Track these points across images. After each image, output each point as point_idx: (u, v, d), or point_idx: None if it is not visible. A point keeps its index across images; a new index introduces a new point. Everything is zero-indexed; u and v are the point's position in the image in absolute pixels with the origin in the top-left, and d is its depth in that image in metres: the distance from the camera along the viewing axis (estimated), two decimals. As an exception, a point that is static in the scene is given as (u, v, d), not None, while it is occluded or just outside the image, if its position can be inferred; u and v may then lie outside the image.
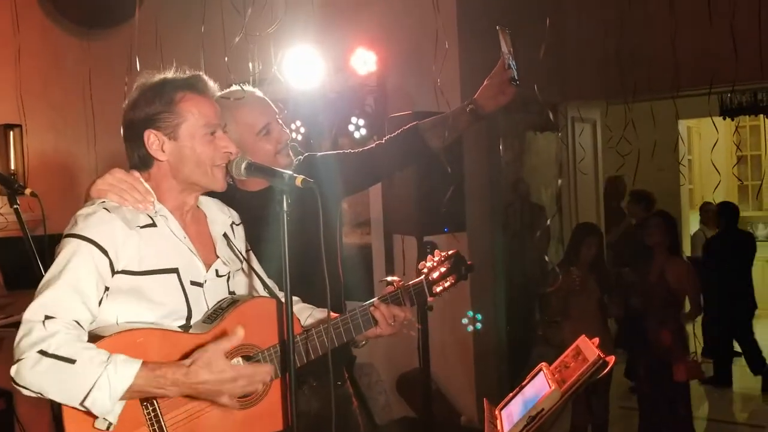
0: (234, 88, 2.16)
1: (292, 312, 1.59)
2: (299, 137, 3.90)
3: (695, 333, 5.70)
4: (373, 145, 2.29)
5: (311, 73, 3.72)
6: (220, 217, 1.79)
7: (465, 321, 2.28)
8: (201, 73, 1.69)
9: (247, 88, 2.14)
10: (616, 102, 4.78)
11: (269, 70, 3.64)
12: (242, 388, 1.54)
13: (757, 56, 4.00)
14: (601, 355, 1.51)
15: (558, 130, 4.90)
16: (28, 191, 2.36)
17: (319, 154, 2.28)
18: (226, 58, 3.12)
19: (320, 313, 1.89)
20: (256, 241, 1.93)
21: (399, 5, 3.84)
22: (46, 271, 1.56)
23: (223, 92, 2.12)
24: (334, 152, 2.32)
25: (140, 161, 1.66)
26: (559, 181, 4.91)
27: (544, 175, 4.85)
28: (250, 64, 3.51)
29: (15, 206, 2.34)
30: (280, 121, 2.11)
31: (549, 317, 4.33)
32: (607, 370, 1.49)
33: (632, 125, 5.55)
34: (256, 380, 1.55)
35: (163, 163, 1.65)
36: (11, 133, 4.05)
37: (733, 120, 5.91)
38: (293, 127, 3.89)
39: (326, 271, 1.68)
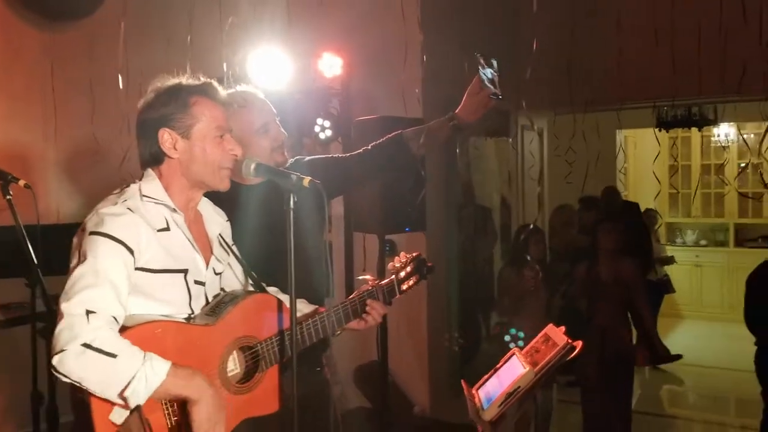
0: (238, 88, 2.29)
1: (295, 305, 1.74)
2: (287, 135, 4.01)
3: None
4: (361, 150, 2.45)
5: (279, 75, 3.84)
6: (216, 218, 1.94)
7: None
8: (213, 80, 1.82)
9: (250, 89, 2.27)
10: (563, 112, 5.08)
11: (236, 70, 3.76)
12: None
13: (696, 74, 4.34)
14: (569, 341, 1.71)
15: (509, 136, 5.15)
16: (21, 182, 2.42)
17: (306, 158, 2.42)
18: (188, 65, 3.18)
19: (305, 307, 2.04)
20: (251, 232, 2.07)
21: (365, 12, 3.99)
22: (38, 260, 1.66)
23: (227, 93, 2.25)
24: (322, 156, 2.47)
25: (151, 158, 1.78)
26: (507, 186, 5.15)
27: (495, 179, 5.08)
28: (225, 65, 3.62)
29: (8, 197, 2.40)
30: (278, 121, 2.26)
31: (500, 316, 4.56)
32: (575, 353, 1.69)
33: (582, 135, 5.86)
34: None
35: (174, 161, 1.77)
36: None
37: (668, 132, 6.31)
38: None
39: (313, 267, 1.85)
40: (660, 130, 6.12)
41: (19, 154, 4.32)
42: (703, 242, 9.08)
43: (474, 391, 1.90)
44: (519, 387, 1.67)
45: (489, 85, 2.24)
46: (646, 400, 5.96)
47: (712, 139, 8.21)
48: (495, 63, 2.26)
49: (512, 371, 1.78)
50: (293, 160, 2.38)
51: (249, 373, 1.83)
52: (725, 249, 8.87)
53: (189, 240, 1.79)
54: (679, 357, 6.45)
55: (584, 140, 5.61)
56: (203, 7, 4.14)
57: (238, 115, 2.15)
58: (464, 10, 4.26)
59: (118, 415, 1.59)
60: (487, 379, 1.91)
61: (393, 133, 2.39)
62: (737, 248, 8.76)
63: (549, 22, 4.77)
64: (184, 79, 1.80)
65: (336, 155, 2.45)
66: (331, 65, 3.90)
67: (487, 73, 2.23)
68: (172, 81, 1.79)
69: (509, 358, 1.88)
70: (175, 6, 4.30)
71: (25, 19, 4.34)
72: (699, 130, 6.35)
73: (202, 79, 1.82)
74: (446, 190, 4.38)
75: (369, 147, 2.41)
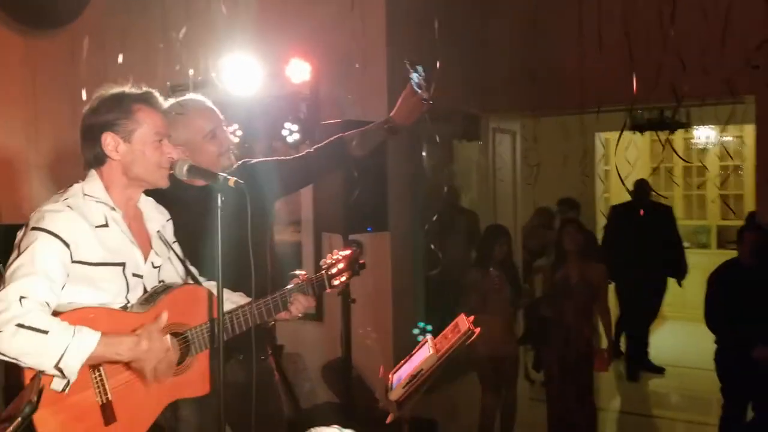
0: (186, 97, 2.45)
1: (222, 296, 1.89)
2: (235, 140, 4.15)
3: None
4: (304, 153, 2.61)
5: (248, 80, 3.99)
6: (156, 216, 2.10)
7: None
8: (154, 90, 1.99)
9: (198, 96, 2.44)
10: (537, 115, 5.22)
11: (206, 76, 3.91)
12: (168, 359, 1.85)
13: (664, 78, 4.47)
14: (471, 327, 1.86)
15: (479, 139, 5.29)
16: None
17: (253, 160, 2.59)
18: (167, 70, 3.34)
19: (238, 297, 2.19)
20: (199, 231, 2.22)
21: (333, 19, 4.13)
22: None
23: (176, 100, 2.41)
24: (269, 159, 2.63)
25: (94, 159, 1.95)
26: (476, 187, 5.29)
27: (465, 180, 5.22)
28: (191, 71, 3.77)
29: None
30: (225, 128, 2.42)
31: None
32: (473, 338, 1.84)
33: (549, 137, 5.99)
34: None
35: (116, 162, 1.94)
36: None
37: (642, 134, 6.44)
38: (230, 130, 4.14)
39: (253, 261, 1.99)
40: (633, 133, 6.25)
41: (2, 157, 4.49)
42: (686, 244, 9.19)
43: (390, 376, 2.05)
44: (422, 369, 1.81)
45: (418, 90, 2.39)
46: (629, 401, 6.10)
47: (692, 141, 8.33)
48: (421, 69, 2.42)
49: (420, 356, 1.93)
50: (240, 163, 2.54)
51: (182, 358, 1.98)
52: (707, 251, 8.98)
53: (127, 236, 1.95)
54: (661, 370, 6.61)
55: (564, 142, 5.76)
56: (176, 15, 4.31)
57: (186, 122, 2.31)
58: (429, 14, 4.40)
59: (56, 383, 1.74)
60: (402, 365, 2.05)
61: (334, 137, 2.56)
62: (719, 250, 8.87)
63: (516, 25, 4.93)
64: (127, 88, 1.97)
65: (281, 158, 2.60)
66: (299, 71, 4.04)
67: (414, 77, 2.39)
68: (116, 89, 1.96)
69: (422, 346, 2.03)
70: (149, 13, 4.47)
71: (8, 26, 4.52)
72: (671, 133, 6.49)
73: (144, 89, 1.99)
74: (412, 192, 4.52)
75: (312, 150, 2.58)
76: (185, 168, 1.95)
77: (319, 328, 4.48)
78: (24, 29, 4.48)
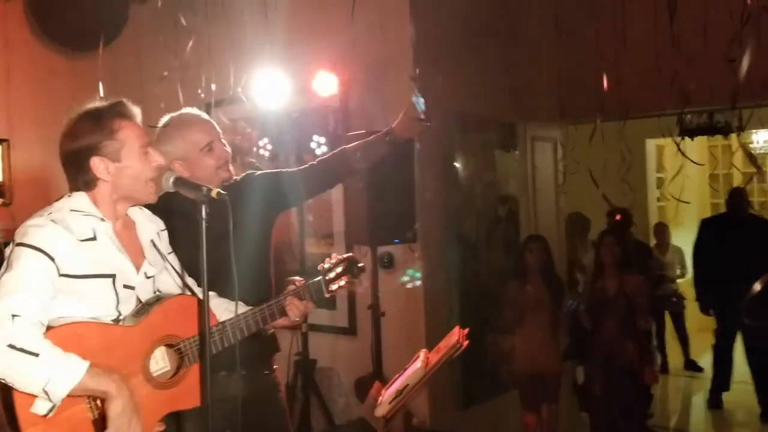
0: (183, 110, 2.47)
1: (208, 308, 1.87)
2: (266, 154, 4.18)
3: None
4: (307, 165, 2.60)
5: (277, 94, 4.01)
6: (148, 225, 2.08)
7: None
8: (124, 99, 1.98)
9: (194, 110, 2.45)
10: (576, 122, 5.07)
11: (235, 92, 3.96)
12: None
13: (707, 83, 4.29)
14: (460, 340, 1.78)
15: (516, 148, 5.17)
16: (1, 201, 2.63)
17: (257, 172, 2.59)
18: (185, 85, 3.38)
19: (241, 309, 2.16)
20: (195, 242, 2.22)
21: (360, 31, 4.12)
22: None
23: (171, 114, 2.44)
24: (272, 171, 2.62)
25: (84, 185, 1.93)
26: (517, 197, 5.17)
27: (503, 190, 5.11)
28: (213, 86, 3.82)
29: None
30: (223, 141, 2.43)
31: (502, 328, 4.57)
32: (460, 351, 1.76)
33: (604, 145, 5.81)
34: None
35: (106, 183, 1.93)
36: (-1, 147, 4.36)
37: (692, 139, 6.18)
38: (260, 144, 4.17)
39: (245, 271, 1.98)
40: (683, 138, 6.00)
41: (44, 177, 4.63)
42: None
43: (383, 391, 1.98)
44: (408, 384, 1.75)
45: (418, 108, 2.41)
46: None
47: (750, 146, 7.96)
48: (422, 101, 2.44)
49: (410, 370, 1.86)
50: (245, 174, 2.54)
51: (176, 370, 1.97)
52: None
53: (117, 247, 1.94)
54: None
55: (609, 149, 5.57)
56: (214, 32, 4.38)
57: (182, 136, 2.33)
58: (458, 23, 4.34)
59: (41, 407, 1.74)
60: (396, 379, 1.99)
61: (337, 149, 2.56)
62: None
63: (553, 31, 4.81)
64: (98, 103, 1.95)
65: (286, 170, 2.60)
66: (327, 83, 4.04)
67: (420, 102, 2.41)
68: (88, 107, 1.94)
69: (416, 359, 1.96)
70: (183, 30, 4.56)
71: (51, 49, 4.68)
72: (725, 138, 6.20)
73: (115, 100, 1.97)
74: (444, 202, 4.44)
75: (315, 162, 2.57)
76: (171, 180, 1.94)
77: (353, 342, 4.43)
78: (66, 51, 4.63)
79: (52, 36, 4.60)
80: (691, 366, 7.22)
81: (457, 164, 4.58)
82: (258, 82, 4.05)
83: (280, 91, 4.03)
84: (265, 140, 4.20)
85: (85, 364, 1.73)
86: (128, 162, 1.92)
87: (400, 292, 4.25)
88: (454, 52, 4.31)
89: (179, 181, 1.95)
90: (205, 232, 1.99)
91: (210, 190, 1.85)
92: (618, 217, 5.41)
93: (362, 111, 4.16)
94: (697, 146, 7.68)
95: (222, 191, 1.87)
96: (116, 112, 1.94)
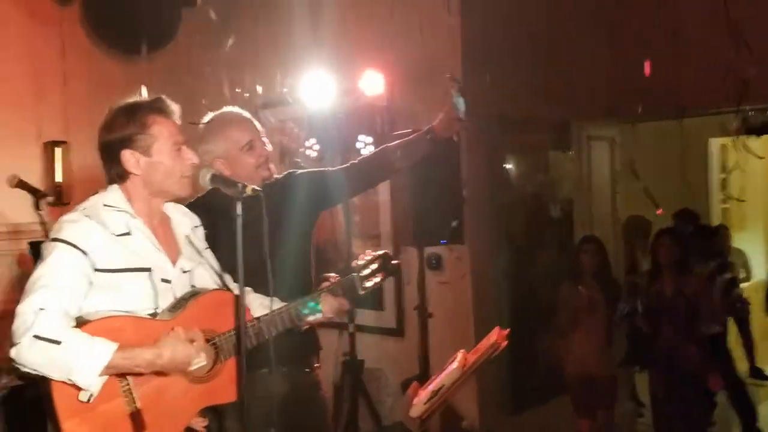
0: (225, 109, 2.48)
1: (243, 304, 1.86)
2: (314, 155, 4.19)
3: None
4: (348, 164, 2.59)
5: (323, 95, 4.01)
6: (183, 221, 2.09)
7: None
8: (163, 96, 1.99)
9: (235, 109, 2.47)
10: (634, 121, 4.92)
11: (280, 92, 3.97)
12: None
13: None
14: (498, 341, 1.72)
15: (570, 148, 5.05)
16: (49, 198, 2.71)
17: (299, 171, 2.59)
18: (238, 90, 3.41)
19: (275, 304, 2.15)
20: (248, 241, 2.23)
21: (407, 29, 4.09)
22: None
23: (213, 113, 2.45)
24: (314, 170, 2.62)
25: (118, 177, 1.96)
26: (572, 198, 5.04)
27: (557, 191, 4.99)
28: (260, 88, 3.85)
29: (39, 211, 2.69)
30: (264, 139, 2.43)
31: (555, 332, 4.46)
32: (498, 351, 1.70)
33: (662, 143, 5.63)
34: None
35: (138, 177, 1.94)
36: (57, 149, 4.48)
37: (759, 137, 5.91)
38: (308, 144, 4.18)
39: (288, 266, 1.96)
40: (748, 137, 5.74)
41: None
42: None
43: (420, 391, 1.94)
44: (444, 385, 1.70)
45: (457, 108, 2.37)
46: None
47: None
48: (462, 101, 2.42)
49: (447, 370, 1.81)
50: (286, 173, 2.54)
51: (212, 364, 1.97)
52: None
53: (152, 242, 1.95)
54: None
55: (669, 149, 5.39)
56: (260, 35, 4.43)
57: (223, 134, 2.34)
58: (507, 22, 4.26)
59: (81, 393, 1.77)
60: (433, 380, 1.94)
61: (378, 148, 2.55)
62: None
63: (608, 28, 4.69)
64: (138, 98, 1.97)
65: (327, 169, 2.59)
66: (373, 83, 4.01)
67: (455, 95, 2.37)
68: (126, 101, 1.96)
69: (454, 360, 1.91)
70: (235, 32, 4.62)
71: (106, 53, 4.80)
72: (793, 135, 5.89)
73: (153, 96, 1.98)
74: (493, 203, 4.36)
75: (356, 161, 2.56)
76: (208, 176, 1.94)
77: (400, 343, 4.39)
78: (120, 55, 4.73)
79: (106, 40, 4.71)
80: (757, 374, 6.90)
81: (507, 165, 4.49)
82: (305, 82, 4.06)
83: (327, 91, 4.02)
84: (313, 140, 4.21)
85: (113, 345, 1.74)
86: (159, 157, 1.93)
87: (448, 293, 4.19)
88: (503, 50, 4.23)
89: (215, 177, 1.95)
90: (244, 229, 1.99)
91: (245, 186, 1.85)
92: (659, 211, 5.22)
93: (409, 110, 4.12)
94: (763, 145, 7.36)
95: (257, 188, 1.86)
96: (152, 107, 1.95)
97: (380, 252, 2.33)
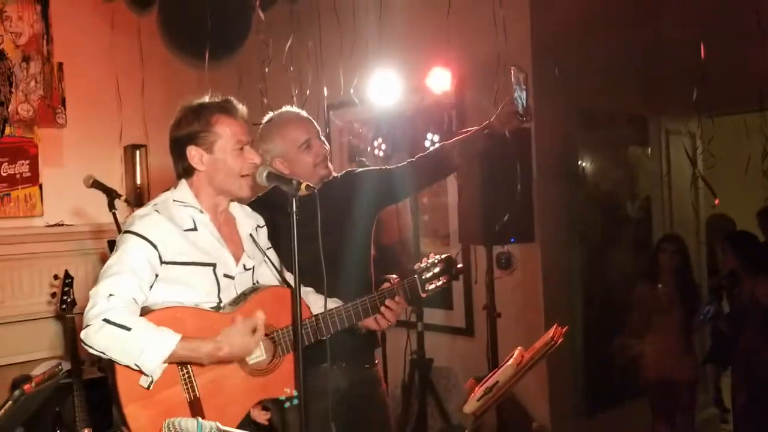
0: (283, 109, 2.53)
1: (299, 298, 1.88)
2: (380, 154, 4.20)
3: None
4: (406, 162, 2.58)
5: (390, 94, 4.01)
6: (247, 221, 2.15)
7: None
8: (231, 98, 2.05)
9: (293, 109, 2.50)
10: (712, 115, 4.69)
11: (347, 93, 4.00)
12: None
13: None
14: (555, 338, 1.67)
15: (648, 143, 4.88)
16: (123, 198, 2.82)
17: (358, 169, 2.59)
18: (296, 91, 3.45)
19: (332, 304, 2.16)
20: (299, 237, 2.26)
21: (476, 26, 4.05)
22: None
23: (272, 113, 2.50)
24: (373, 168, 2.63)
25: (184, 171, 2.05)
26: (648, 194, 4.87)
27: (634, 188, 4.84)
28: (325, 90, 3.88)
29: (113, 210, 2.81)
30: (322, 138, 2.45)
31: (629, 334, 4.32)
32: (554, 348, 1.65)
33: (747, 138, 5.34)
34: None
35: (202, 173, 2.02)
36: (138, 152, 4.67)
37: None
38: (375, 144, 4.20)
39: (345, 266, 1.98)
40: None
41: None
42: None
43: (477, 387, 1.91)
44: (498, 382, 1.66)
45: (518, 102, 2.31)
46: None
47: None
48: (524, 95, 2.32)
49: (502, 367, 1.78)
50: (345, 172, 2.56)
51: (270, 358, 2.01)
52: None
53: (216, 238, 2.02)
54: None
55: (748, 144, 5.13)
56: (327, 36, 4.47)
57: (282, 133, 2.38)
58: (579, 15, 4.15)
59: (142, 380, 1.85)
60: (492, 374, 1.91)
61: (437, 145, 2.53)
62: None
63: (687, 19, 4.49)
64: (207, 98, 2.04)
65: (386, 167, 2.59)
66: (441, 80, 3.98)
67: (517, 91, 2.30)
68: (197, 101, 2.04)
69: (510, 356, 1.87)
70: (303, 36, 4.68)
71: (183, 61, 4.96)
72: None
73: (221, 98, 2.05)
74: (566, 200, 4.25)
75: (414, 159, 2.54)
76: (264, 174, 1.98)
77: (470, 343, 4.35)
78: (194, 62, 4.88)
79: (180, 48, 4.87)
80: None
81: (581, 161, 4.37)
82: (372, 82, 4.07)
83: (394, 90, 4.02)
84: (380, 140, 4.23)
85: (177, 336, 1.81)
86: (221, 155, 2.00)
87: (518, 293, 4.12)
88: (576, 43, 4.12)
89: (271, 175, 1.99)
90: (303, 226, 2.01)
91: (300, 183, 1.87)
92: (717, 201, 4.95)
93: (477, 107, 4.07)
94: None
95: (311, 185, 1.88)
96: (218, 107, 2.02)
97: (444, 255, 2.31)
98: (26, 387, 1.91)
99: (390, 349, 4.03)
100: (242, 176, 2.02)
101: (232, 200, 2.12)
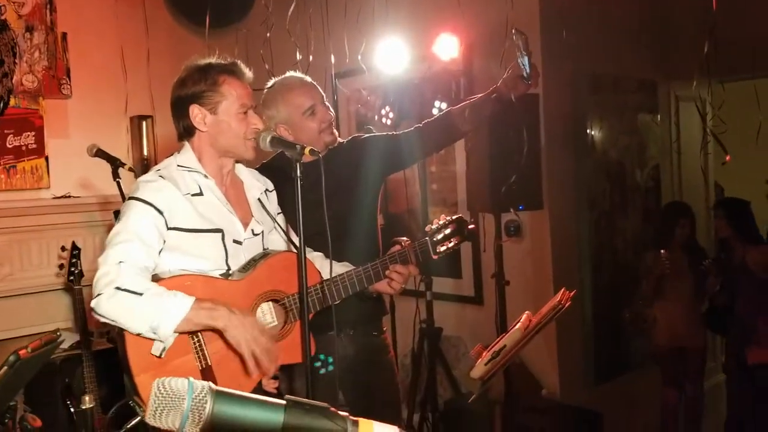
0: (287, 74, 2.49)
1: (305, 266, 1.87)
2: (388, 122, 4.15)
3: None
4: (413, 128, 2.54)
5: (397, 61, 3.96)
6: (255, 184, 2.12)
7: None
8: (238, 61, 2.01)
9: (297, 74, 2.46)
10: (722, 80, 4.62)
11: (354, 61, 3.95)
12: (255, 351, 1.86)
13: None
14: (562, 301, 1.66)
15: (658, 110, 4.82)
16: (126, 167, 2.80)
17: (364, 135, 2.57)
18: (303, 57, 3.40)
19: (338, 267, 2.15)
20: (306, 203, 2.25)
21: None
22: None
23: (275, 78, 2.46)
24: (379, 134, 2.60)
25: (184, 131, 2.02)
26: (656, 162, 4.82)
27: (643, 155, 4.78)
28: (332, 57, 3.82)
29: (117, 179, 2.79)
30: (326, 104, 2.42)
31: (639, 300, 4.31)
32: (561, 311, 1.64)
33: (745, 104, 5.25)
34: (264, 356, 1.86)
35: (204, 134, 1.99)
36: (144, 123, 4.65)
37: None
38: (383, 112, 4.15)
39: (353, 231, 1.95)
40: None
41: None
42: None
43: (484, 353, 1.90)
44: (505, 345, 1.65)
45: (522, 66, 2.27)
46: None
47: None
48: (527, 60, 2.29)
49: (510, 331, 1.76)
50: (351, 138, 2.53)
51: (284, 325, 2.00)
52: None
53: (223, 203, 2.00)
54: None
55: (760, 112, 5.05)
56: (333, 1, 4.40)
57: (286, 99, 2.34)
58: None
59: (154, 348, 1.84)
60: (500, 339, 1.90)
61: (443, 111, 2.48)
62: None
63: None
64: (214, 59, 2.01)
65: (392, 133, 2.56)
66: (448, 47, 3.92)
67: (525, 61, 2.27)
68: (203, 60, 2.00)
69: (519, 321, 1.86)
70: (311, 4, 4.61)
71: (187, 29, 4.92)
72: None
73: (229, 59, 2.01)
74: (574, 167, 4.22)
75: (421, 125, 2.50)
76: (268, 139, 1.96)
77: (479, 311, 4.35)
78: (200, 30, 4.82)
79: (187, 15, 4.82)
80: None
81: (589, 128, 4.32)
82: (378, 49, 4.02)
83: (401, 57, 3.97)
84: (387, 108, 4.18)
85: (191, 298, 1.79)
86: (225, 117, 1.97)
87: (527, 261, 4.10)
88: (585, 7, 4.05)
89: (275, 140, 1.96)
90: (308, 192, 2.00)
91: (303, 148, 1.85)
92: (728, 157, 4.88)
93: (485, 74, 4.02)
94: None
95: (315, 149, 1.85)
96: (226, 68, 1.99)
97: (455, 216, 2.28)
98: (21, 352, 1.91)
99: (399, 319, 4.03)
100: (246, 140, 2.00)
101: (238, 162, 2.09)
